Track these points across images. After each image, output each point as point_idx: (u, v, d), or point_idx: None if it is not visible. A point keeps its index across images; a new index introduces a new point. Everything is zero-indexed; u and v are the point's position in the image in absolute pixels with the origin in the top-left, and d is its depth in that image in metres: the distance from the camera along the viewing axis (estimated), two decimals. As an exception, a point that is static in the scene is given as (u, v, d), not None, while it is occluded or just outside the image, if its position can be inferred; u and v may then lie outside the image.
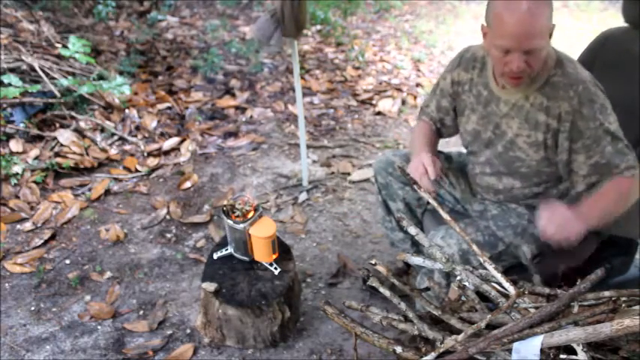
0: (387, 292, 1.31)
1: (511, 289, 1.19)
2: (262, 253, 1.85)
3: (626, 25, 1.72)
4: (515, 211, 1.62)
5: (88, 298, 2.13)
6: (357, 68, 4.29)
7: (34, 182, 2.72)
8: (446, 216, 1.33)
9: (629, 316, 0.98)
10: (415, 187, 1.46)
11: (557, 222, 1.37)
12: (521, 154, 1.55)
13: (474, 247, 1.27)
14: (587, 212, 1.43)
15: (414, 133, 1.86)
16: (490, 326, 1.13)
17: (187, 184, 2.82)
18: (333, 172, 2.96)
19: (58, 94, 3.11)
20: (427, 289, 1.49)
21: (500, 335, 1.07)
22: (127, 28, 4.66)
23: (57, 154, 2.91)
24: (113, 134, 3.15)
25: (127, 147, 3.10)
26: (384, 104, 3.71)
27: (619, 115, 1.64)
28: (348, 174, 2.94)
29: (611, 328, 0.97)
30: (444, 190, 1.88)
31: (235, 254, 1.91)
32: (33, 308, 2.08)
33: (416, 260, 1.37)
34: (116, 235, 2.43)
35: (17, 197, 2.64)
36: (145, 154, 3.05)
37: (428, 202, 1.43)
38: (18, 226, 2.49)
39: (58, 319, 2.03)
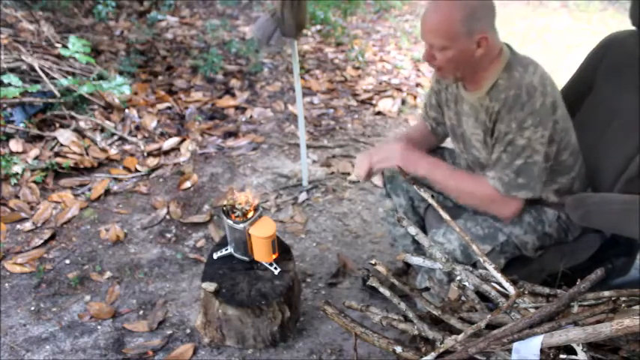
0: (386, 292, 1.31)
1: (511, 289, 1.19)
2: (262, 253, 1.85)
3: (631, 28, 1.71)
4: None
5: (87, 298, 2.13)
6: (357, 68, 4.29)
7: (34, 182, 2.72)
8: (445, 215, 1.33)
9: (629, 316, 0.98)
10: (415, 186, 1.46)
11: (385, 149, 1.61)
12: (476, 152, 1.63)
13: (474, 247, 1.27)
14: (429, 163, 1.59)
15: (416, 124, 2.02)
16: (490, 326, 1.13)
17: (187, 184, 2.82)
18: (333, 172, 2.96)
19: (58, 94, 3.11)
20: (427, 289, 1.50)
21: (500, 335, 1.07)
22: (126, 28, 4.66)
23: (57, 154, 2.91)
24: (113, 134, 3.15)
25: (127, 147, 3.10)
26: (384, 104, 3.71)
27: (623, 121, 1.64)
28: (348, 174, 2.94)
29: (611, 328, 0.97)
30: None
31: (235, 254, 1.91)
32: (33, 308, 2.08)
33: (416, 260, 1.37)
34: (116, 235, 2.43)
35: (17, 197, 2.64)
36: (145, 154, 3.05)
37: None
38: (18, 226, 2.49)
39: (58, 319, 2.03)
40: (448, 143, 1.87)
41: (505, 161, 1.48)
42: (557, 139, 1.51)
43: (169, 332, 1.97)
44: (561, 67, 3.85)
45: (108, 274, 2.25)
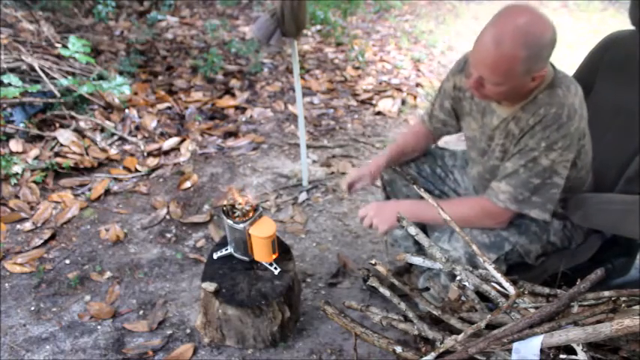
0: (386, 292, 1.31)
1: (511, 289, 1.19)
2: (262, 253, 1.85)
3: (631, 28, 1.71)
4: None
5: (88, 298, 2.13)
6: (357, 68, 4.29)
7: (34, 182, 2.72)
8: (445, 216, 1.33)
9: (629, 316, 0.98)
10: (415, 187, 1.46)
11: (376, 209, 1.60)
12: (497, 161, 1.57)
13: (474, 247, 1.27)
14: (419, 207, 1.55)
15: (405, 132, 1.92)
16: (490, 326, 1.13)
17: (187, 184, 2.82)
18: (333, 172, 2.96)
19: (58, 94, 3.11)
20: (427, 289, 1.49)
21: (500, 335, 1.07)
22: (127, 28, 4.66)
23: (57, 154, 2.91)
24: (113, 134, 3.15)
25: (127, 147, 3.10)
26: (384, 104, 3.71)
27: (623, 121, 1.63)
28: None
29: (611, 328, 0.97)
30: (448, 187, 1.89)
31: (235, 254, 1.91)
32: (33, 308, 2.08)
33: (416, 260, 1.37)
34: (116, 235, 2.43)
35: (17, 197, 2.64)
36: (145, 154, 3.05)
37: None
38: (18, 226, 2.49)
39: (58, 319, 2.03)
40: (444, 145, 1.87)
41: (522, 177, 1.44)
42: (579, 163, 1.48)
43: (169, 332, 1.97)
44: (561, 67, 3.85)
45: (108, 274, 2.25)
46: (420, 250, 1.88)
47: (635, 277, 1.89)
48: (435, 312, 1.23)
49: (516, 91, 1.39)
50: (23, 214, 2.55)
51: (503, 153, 1.54)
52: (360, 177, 1.81)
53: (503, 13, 1.32)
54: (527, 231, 1.58)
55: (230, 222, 1.82)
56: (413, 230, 1.34)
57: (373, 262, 1.36)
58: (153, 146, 3.11)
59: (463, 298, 1.29)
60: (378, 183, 2.02)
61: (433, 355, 1.15)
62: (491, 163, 1.59)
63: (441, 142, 2.44)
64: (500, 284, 1.22)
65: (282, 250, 1.94)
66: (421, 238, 1.35)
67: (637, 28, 1.68)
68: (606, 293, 1.13)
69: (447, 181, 1.90)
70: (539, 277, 1.64)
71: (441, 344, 1.16)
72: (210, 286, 1.79)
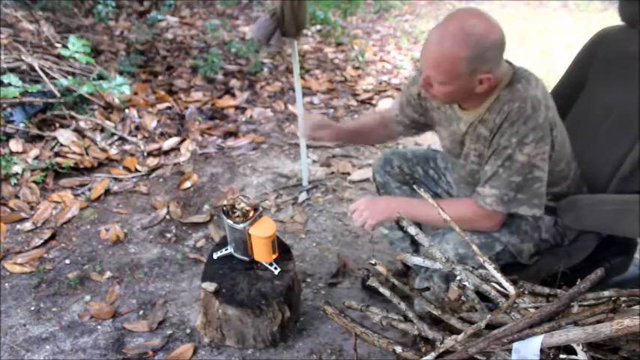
0: (387, 292, 1.32)
1: (511, 289, 1.19)
2: (262, 253, 1.85)
3: (622, 24, 1.71)
4: None
5: (87, 298, 2.13)
6: (357, 68, 4.29)
7: (34, 182, 2.72)
8: (445, 215, 1.33)
9: (629, 316, 0.98)
10: (415, 187, 1.46)
11: (366, 203, 1.58)
12: (475, 165, 1.57)
13: (474, 247, 1.27)
14: (411, 205, 1.55)
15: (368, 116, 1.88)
16: (490, 326, 1.13)
17: (187, 184, 2.82)
18: (333, 172, 2.96)
19: (58, 94, 3.11)
20: (427, 289, 1.50)
21: (500, 335, 1.08)
22: (127, 28, 4.67)
23: (57, 154, 2.91)
24: (113, 134, 3.15)
25: (127, 147, 3.10)
26: (384, 104, 3.71)
27: (615, 118, 1.63)
28: (348, 174, 2.94)
29: (610, 328, 0.97)
30: (441, 189, 1.89)
31: (235, 254, 1.91)
32: (33, 308, 2.08)
33: (415, 260, 1.37)
34: (116, 235, 2.43)
35: (17, 197, 2.64)
36: (145, 154, 3.05)
37: None
38: (18, 226, 2.49)
39: (58, 319, 2.03)
40: (436, 147, 1.86)
41: (503, 177, 1.43)
42: (553, 155, 1.48)
43: (169, 332, 1.97)
44: (561, 66, 3.86)
45: (108, 274, 2.25)
46: (417, 250, 1.89)
47: (635, 274, 1.88)
48: (435, 312, 1.23)
49: (465, 92, 1.40)
50: (23, 214, 2.55)
51: (479, 157, 1.54)
52: (324, 125, 1.79)
53: (452, 15, 1.35)
54: (518, 230, 1.58)
55: (230, 222, 1.82)
56: (413, 230, 1.34)
57: (373, 262, 1.36)
58: (153, 146, 3.11)
59: (463, 298, 1.30)
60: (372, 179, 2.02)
61: (433, 355, 1.16)
62: (469, 167, 1.60)
63: (434, 145, 2.45)
64: (500, 284, 1.22)
65: (282, 250, 1.94)
66: (421, 238, 1.35)
67: (627, 24, 1.67)
68: (606, 293, 1.13)
69: (439, 182, 1.90)
70: (535, 276, 1.63)
71: (441, 344, 1.16)
72: (210, 286, 1.79)
